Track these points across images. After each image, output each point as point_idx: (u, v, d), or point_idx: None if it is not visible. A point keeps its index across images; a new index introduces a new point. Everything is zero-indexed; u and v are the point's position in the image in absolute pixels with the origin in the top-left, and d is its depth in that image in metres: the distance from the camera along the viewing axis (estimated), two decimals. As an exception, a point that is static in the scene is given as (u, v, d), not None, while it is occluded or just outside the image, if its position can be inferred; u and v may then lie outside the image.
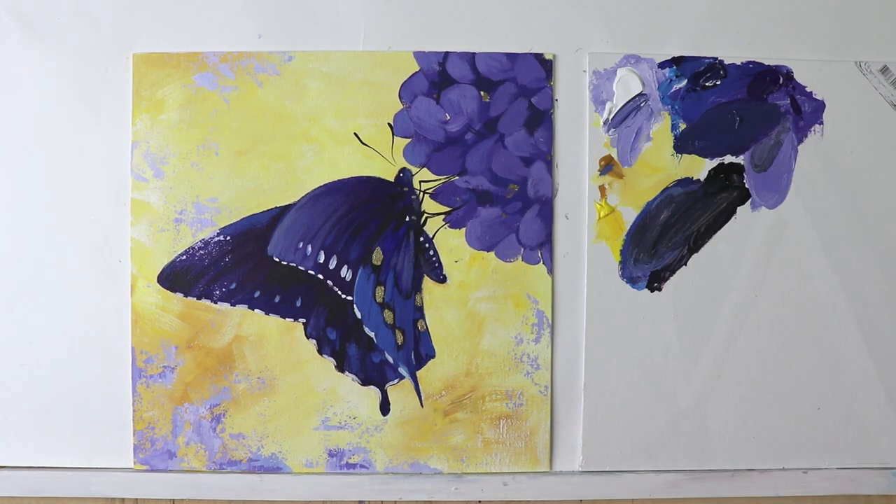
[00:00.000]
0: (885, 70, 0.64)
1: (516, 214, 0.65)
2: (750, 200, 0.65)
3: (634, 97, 0.64)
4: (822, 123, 0.65)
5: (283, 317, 0.65)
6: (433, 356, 0.65)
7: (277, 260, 0.64)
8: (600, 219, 0.65)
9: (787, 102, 0.65)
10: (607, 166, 0.65)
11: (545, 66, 0.64)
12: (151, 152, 0.64)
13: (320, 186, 0.64)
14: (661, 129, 0.65)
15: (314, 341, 0.65)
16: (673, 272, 0.65)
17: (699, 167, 0.65)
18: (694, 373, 0.66)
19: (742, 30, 0.65)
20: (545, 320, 0.65)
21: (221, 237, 0.64)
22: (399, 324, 0.65)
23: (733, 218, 0.65)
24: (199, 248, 0.64)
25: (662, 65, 0.64)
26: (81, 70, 0.63)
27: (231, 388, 0.65)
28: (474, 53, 0.64)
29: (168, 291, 0.64)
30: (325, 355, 0.65)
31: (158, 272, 0.64)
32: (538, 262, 0.65)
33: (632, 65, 0.64)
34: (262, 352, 0.65)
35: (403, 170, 0.64)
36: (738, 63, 0.64)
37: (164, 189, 0.64)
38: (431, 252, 0.65)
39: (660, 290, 0.65)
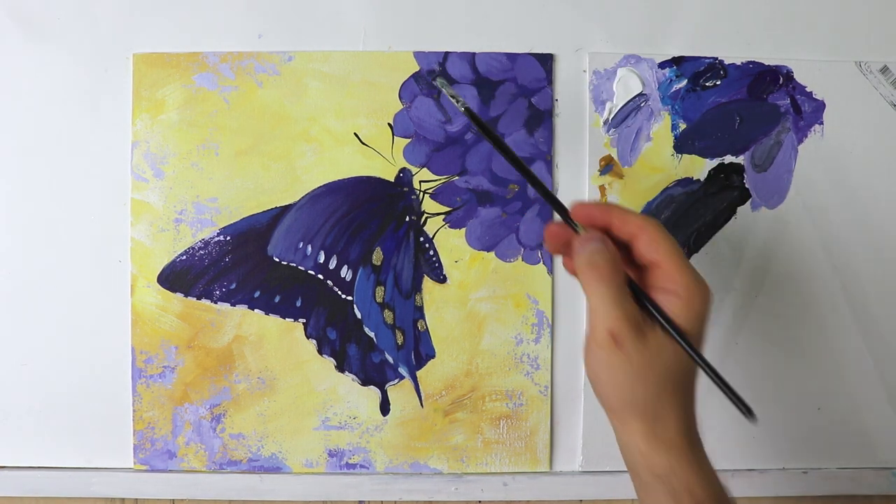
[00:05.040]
0: (885, 70, 0.64)
1: (516, 214, 0.65)
2: (750, 200, 0.65)
3: (634, 97, 0.64)
4: (822, 123, 0.65)
5: (283, 317, 0.65)
6: (433, 356, 0.65)
7: (277, 260, 0.64)
8: (600, 219, 0.65)
9: (787, 102, 0.65)
10: (607, 166, 0.65)
11: (545, 66, 0.64)
12: (151, 152, 0.64)
13: (320, 186, 0.64)
14: (661, 129, 0.65)
15: (314, 341, 0.65)
16: (673, 272, 0.65)
17: (699, 167, 0.65)
18: (694, 373, 0.65)
19: (742, 30, 0.65)
20: (545, 320, 0.65)
21: (221, 237, 0.64)
22: (399, 324, 0.65)
23: (733, 218, 0.65)
24: (199, 248, 0.64)
25: (662, 65, 0.64)
26: (81, 70, 0.63)
27: (231, 388, 0.65)
28: (474, 53, 0.64)
29: (168, 291, 0.64)
30: (325, 355, 0.65)
31: (158, 272, 0.64)
32: (538, 262, 0.65)
33: (632, 65, 0.64)
34: (262, 352, 0.65)
35: (403, 170, 0.64)
36: (738, 63, 0.64)
37: (164, 189, 0.64)
38: (431, 252, 0.65)
39: (660, 290, 0.65)
